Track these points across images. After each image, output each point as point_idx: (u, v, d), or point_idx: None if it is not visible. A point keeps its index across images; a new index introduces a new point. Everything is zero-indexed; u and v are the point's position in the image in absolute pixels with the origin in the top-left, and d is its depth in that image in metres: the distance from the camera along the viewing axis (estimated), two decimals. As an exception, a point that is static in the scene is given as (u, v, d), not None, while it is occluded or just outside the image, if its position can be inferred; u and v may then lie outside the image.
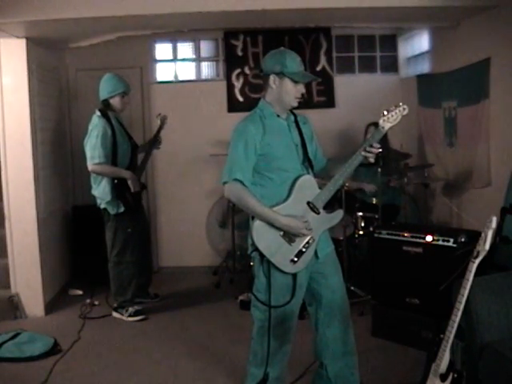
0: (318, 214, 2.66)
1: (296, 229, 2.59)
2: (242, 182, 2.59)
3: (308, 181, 2.69)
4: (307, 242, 2.65)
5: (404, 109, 2.64)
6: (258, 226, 2.61)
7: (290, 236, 2.62)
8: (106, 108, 4.36)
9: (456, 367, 2.40)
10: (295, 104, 2.70)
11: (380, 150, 2.65)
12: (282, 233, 2.61)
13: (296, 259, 2.64)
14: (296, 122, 2.78)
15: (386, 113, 2.63)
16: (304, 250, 2.65)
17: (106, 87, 4.36)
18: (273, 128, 2.67)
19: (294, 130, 2.75)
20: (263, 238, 2.61)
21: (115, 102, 4.38)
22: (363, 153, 2.63)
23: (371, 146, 2.62)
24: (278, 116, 2.72)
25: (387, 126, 2.64)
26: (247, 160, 2.61)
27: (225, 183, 2.63)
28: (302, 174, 2.69)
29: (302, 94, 2.71)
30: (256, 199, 2.60)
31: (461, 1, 3.88)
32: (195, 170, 5.80)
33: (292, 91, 2.66)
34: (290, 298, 2.65)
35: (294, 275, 2.66)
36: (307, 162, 2.75)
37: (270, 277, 2.65)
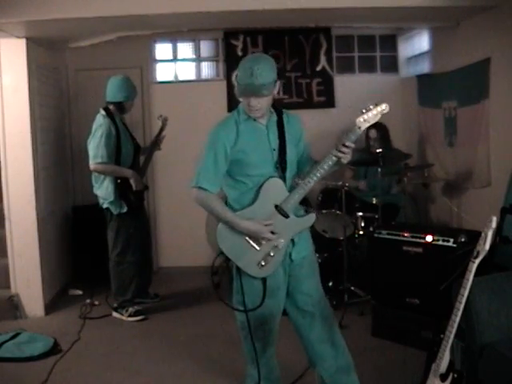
0: (287, 217, 2.58)
1: (256, 233, 2.55)
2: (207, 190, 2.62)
3: (275, 184, 2.60)
4: (275, 246, 2.59)
5: (384, 108, 2.51)
6: (220, 229, 2.62)
7: (256, 240, 2.58)
8: (118, 110, 4.40)
9: (456, 367, 2.40)
10: (253, 114, 2.57)
11: (351, 148, 2.50)
12: (247, 236, 2.59)
13: (264, 263, 2.59)
14: (279, 122, 2.68)
15: (364, 111, 2.51)
16: (272, 254, 2.59)
17: (122, 90, 4.38)
18: (248, 133, 2.60)
19: (274, 132, 2.64)
20: (227, 241, 2.62)
21: (128, 105, 4.46)
22: (335, 153, 2.50)
23: (344, 145, 2.48)
24: (256, 120, 2.61)
25: (364, 125, 2.51)
26: (216, 168, 2.63)
27: (193, 187, 2.67)
28: (270, 176, 2.61)
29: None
30: (219, 204, 2.62)
31: (461, 1, 3.88)
32: (195, 170, 5.79)
33: (244, 101, 2.56)
34: (261, 301, 2.60)
35: (264, 279, 2.61)
36: (281, 164, 2.63)
37: (242, 279, 2.65)
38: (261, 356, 2.74)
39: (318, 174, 2.55)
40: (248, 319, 2.65)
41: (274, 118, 2.68)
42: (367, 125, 2.51)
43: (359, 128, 2.51)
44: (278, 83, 2.59)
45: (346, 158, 2.52)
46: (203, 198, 2.67)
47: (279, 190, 2.60)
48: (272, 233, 2.57)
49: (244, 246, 2.61)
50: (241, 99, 2.58)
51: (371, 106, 2.51)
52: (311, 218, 2.68)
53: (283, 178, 2.62)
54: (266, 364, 2.79)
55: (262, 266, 2.60)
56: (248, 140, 2.60)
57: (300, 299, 2.73)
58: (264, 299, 2.60)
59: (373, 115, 2.50)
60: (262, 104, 2.53)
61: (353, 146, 2.50)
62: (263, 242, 2.58)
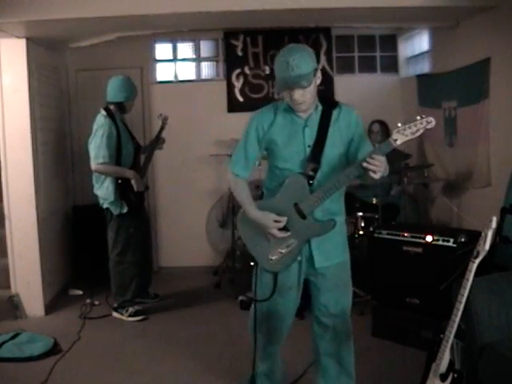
0: (304, 218, 2.52)
1: (264, 226, 2.55)
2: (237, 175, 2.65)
3: (297, 181, 2.52)
4: (287, 244, 2.56)
5: (429, 122, 2.24)
6: (242, 215, 2.64)
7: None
8: (119, 110, 4.40)
9: (456, 367, 2.40)
10: (298, 109, 2.49)
11: (382, 162, 2.27)
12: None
13: (273, 258, 2.58)
14: (325, 117, 2.52)
15: (401, 124, 2.27)
16: (283, 251, 2.57)
17: (123, 90, 4.39)
18: (283, 125, 2.55)
19: (312, 128, 2.52)
20: (246, 228, 2.64)
21: (128, 105, 4.47)
22: (365, 164, 2.29)
23: (372, 158, 2.27)
24: (294, 113, 2.53)
25: (401, 139, 2.26)
26: (246, 153, 2.61)
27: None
28: (294, 172, 2.54)
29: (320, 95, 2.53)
30: (242, 189, 2.63)
31: (461, 1, 3.88)
32: (195, 170, 5.81)
33: (286, 96, 2.48)
34: (269, 295, 2.60)
35: (275, 275, 2.59)
36: (313, 162, 2.51)
37: (257, 268, 2.65)
38: (263, 350, 2.75)
39: (341, 183, 2.45)
40: (255, 309, 2.67)
41: (319, 112, 2.54)
42: (405, 139, 2.26)
43: (394, 141, 2.26)
44: (319, 72, 2.47)
45: (377, 172, 2.28)
46: (232, 182, 2.69)
47: (300, 189, 2.52)
48: (286, 230, 2.53)
49: (260, 237, 2.60)
50: (282, 95, 2.51)
51: (418, 117, 2.27)
52: (328, 225, 2.56)
53: (312, 177, 2.51)
54: (267, 360, 2.80)
55: (272, 260, 2.59)
56: (281, 132, 2.55)
57: (317, 308, 2.70)
58: (272, 294, 2.59)
59: (414, 128, 2.25)
60: (305, 97, 2.43)
61: (383, 159, 2.28)
62: (278, 238, 2.56)
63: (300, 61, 2.38)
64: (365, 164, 2.29)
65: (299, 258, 2.61)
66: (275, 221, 2.52)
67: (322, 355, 2.74)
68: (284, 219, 2.52)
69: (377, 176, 2.29)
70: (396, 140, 2.26)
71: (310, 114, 2.54)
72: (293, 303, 2.72)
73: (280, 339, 2.80)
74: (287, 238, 2.55)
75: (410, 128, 2.26)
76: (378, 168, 2.28)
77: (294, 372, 3.25)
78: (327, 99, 2.60)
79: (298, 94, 2.41)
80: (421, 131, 2.26)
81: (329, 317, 2.67)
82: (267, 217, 2.53)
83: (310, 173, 2.51)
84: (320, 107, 2.55)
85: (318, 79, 2.48)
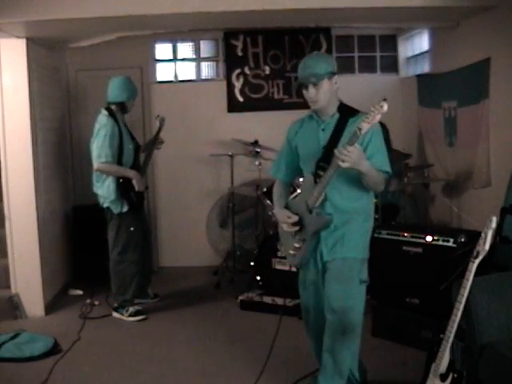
0: (311, 213, 2.69)
1: (279, 221, 2.82)
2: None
3: (308, 180, 2.73)
4: (301, 240, 2.74)
5: (381, 106, 2.35)
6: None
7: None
8: (120, 109, 4.42)
9: (456, 367, 2.40)
10: (313, 107, 2.72)
11: (350, 152, 2.39)
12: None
13: (292, 252, 2.78)
14: (341, 123, 2.68)
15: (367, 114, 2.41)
16: (298, 245, 2.75)
17: (124, 90, 4.41)
18: (305, 128, 2.81)
19: (327, 131, 2.70)
20: (280, 226, 2.88)
21: (130, 104, 4.49)
22: (335, 152, 2.44)
23: (342, 148, 2.43)
24: (313, 118, 2.77)
25: (364, 127, 2.38)
26: (281, 157, 2.95)
27: None
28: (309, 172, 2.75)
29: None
30: (276, 190, 2.95)
31: (461, 1, 3.89)
32: (195, 170, 5.81)
33: (305, 96, 2.71)
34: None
35: (297, 269, 2.85)
36: (324, 162, 2.63)
37: None
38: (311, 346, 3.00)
39: (329, 177, 2.58)
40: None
41: (335, 119, 2.73)
42: (368, 126, 2.38)
43: (359, 129, 2.39)
44: (335, 78, 2.71)
45: (345, 161, 2.41)
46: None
47: (310, 187, 2.70)
48: (300, 226, 2.71)
49: (286, 234, 2.81)
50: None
51: (375, 106, 2.39)
52: (323, 219, 2.69)
53: (320, 176, 2.64)
54: (316, 358, 2.96)
55: (291, 254, 2.79)
56: (302, 134, 2.81)
57: (325, 302, 2.75)
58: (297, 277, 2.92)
59: (372, 115, 2.38)
60: (318, 96, 2.66)
61: (351, 149, 2.39)
62: (296, 234, 2.74)
63: (314, 62, 2.69)
64: (336, 152, 2.44)
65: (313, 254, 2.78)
66: (288, 217, 2.74)
67: (323, 351, 2.77)
68: (295, 217, 2.72)
69: (344, 165, 2.42)
70: (361, 129, 2.39)
71: (330, 116, 2.74)
72: (315, 297, 2.82)
73: (313, 335, 2.92)
74: (301, 233, 2.72)
75: (370, 116, 2.38)
76: (345, 157, 2.41)
77: (296, 372, 3.26)
78: (348, 109, 2.77)
79: (311, 92, 2.65)
80: (378, 117, 2.37)
81: (330, 311, 2.71)
82: (282, 213, 2.79)
83: (319, 172, 2.66)
84: (337, 115, 2.74)
85: (335, 84, 2.72)
